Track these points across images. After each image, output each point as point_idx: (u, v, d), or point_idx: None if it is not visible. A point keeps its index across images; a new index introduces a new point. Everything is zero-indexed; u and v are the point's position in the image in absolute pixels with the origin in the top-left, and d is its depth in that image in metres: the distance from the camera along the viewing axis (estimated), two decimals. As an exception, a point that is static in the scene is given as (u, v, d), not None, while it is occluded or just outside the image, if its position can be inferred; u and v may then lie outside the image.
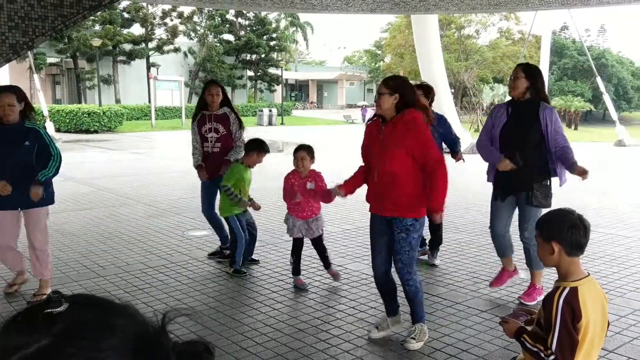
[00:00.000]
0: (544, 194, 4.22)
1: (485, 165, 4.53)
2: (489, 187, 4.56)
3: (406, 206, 3.45)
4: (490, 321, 3.98)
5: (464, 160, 5.46)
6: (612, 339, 3.66)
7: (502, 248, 4.54)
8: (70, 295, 0.72)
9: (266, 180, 9.63)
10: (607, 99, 22.27)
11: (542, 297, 4.39)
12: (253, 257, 5.44)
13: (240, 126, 5.44)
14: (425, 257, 5.49)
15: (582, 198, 8.94)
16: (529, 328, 2.26)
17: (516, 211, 4.44)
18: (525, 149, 4.17)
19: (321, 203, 4.71)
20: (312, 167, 4.76)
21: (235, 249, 5.08)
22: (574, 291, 2.10)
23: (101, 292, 4.56)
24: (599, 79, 22.51)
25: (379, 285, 3.76)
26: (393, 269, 3.66)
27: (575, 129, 34.83)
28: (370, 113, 39.12)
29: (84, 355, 0.63)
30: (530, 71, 4.20)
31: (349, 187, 3.77)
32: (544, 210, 4.11)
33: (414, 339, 3.56)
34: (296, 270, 4.82)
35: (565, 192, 9.18)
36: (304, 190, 4.61)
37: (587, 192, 9.64)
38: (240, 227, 5.12)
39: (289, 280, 4.89)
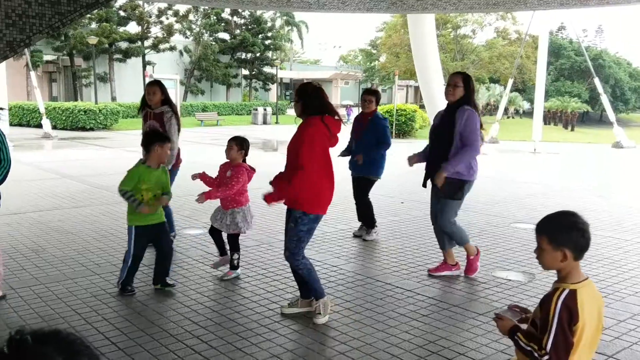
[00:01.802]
0: (450, 186, 4.74)
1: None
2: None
3: (291, 198, 3.89)
4: (488, 324, 3.98)
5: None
6: (611, 344, 3.66)
7: (439, 237, 5.10)
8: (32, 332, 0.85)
9: (260, 180, 9.62)
10: (604, 100, 22.31)
11: (448, 272, 4.99)
12: (168, 281, 4.67)
13: (178, 128, 5.60)
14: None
15: (580, 200, 8.96)
16: (523, 327, 2.25)
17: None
18: (437, 145, 4.84)
19: (249, 199, 5.00)
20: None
21: (123, 262, 4.56)
22: (572, 294, 2.10)
23: (97, 291, 4.54)
24: (596, 80, 22.53)
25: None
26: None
27: (572, 130, 34.92)
28: (355, 112, 39.29)
29: None
30: (466, 80, 4.75)
31: None
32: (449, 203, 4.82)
33: (320, 314, 3.96)
34: (221, 252, 5.06)
35: (562, 195, 9.22)
36: (224, 176, 4.84)
37: (585, 194, 9.66)
38: (138, 242, 4.48)
39: (284, 281, 4.88)
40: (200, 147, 17.69)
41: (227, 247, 5.03)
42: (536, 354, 2.09)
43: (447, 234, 4.95)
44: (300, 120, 3.98)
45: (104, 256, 5.55)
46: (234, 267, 4.98)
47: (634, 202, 9.00)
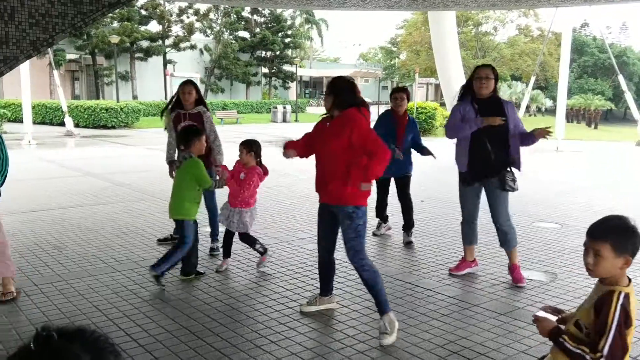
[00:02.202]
0: (512, 179, 4.71)
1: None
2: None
3: (342, 194, 3.71)
4: (509, 324, 3.92)
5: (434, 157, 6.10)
6: (635, 345, 3.57)
7: (471, 236, 5.05)
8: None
9: (278, 177, 9.63)
10: (628, 97, 21.86)
11: (469, 270, 4.90)
12: (199, 269, 5.01)
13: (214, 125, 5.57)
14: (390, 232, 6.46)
15: (604, 199, 8.79)
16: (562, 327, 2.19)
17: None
18: (493, 139, 4.66)
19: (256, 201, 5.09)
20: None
21: (173, 253, 4.67)
22: (628, 297, 2.04)
23: (117, 287, 4.59)
24: (620, 77, 22.10)
25: (321, 265, 4.13)
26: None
27: (595, 127, 34.34)
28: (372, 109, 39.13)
29: None
30: (496, 72, 4.79)
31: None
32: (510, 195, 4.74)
33: (386, 333, 3.63)
34: (225, 253, 5.19)
35: (586, 194, 9.05)
36: (238, 178, 4.98)
37: (610, 193, 9.49)
38: (191, 237, 4.73)
39: (303, 278, 4.87)
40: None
41: (245, 246, 5.10)
42: (589, 357, 2.02)
43: (507, 230, 4.77)
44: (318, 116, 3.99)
45: (125, 253, 5.60)
46: (263, 252, 5.12)
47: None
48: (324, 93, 3.90)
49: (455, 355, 3.46)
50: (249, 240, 5.14)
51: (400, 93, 6.04)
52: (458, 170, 4.91)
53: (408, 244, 6.04)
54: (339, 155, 3.69)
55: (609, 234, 2.08)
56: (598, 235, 2.09)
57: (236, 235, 5.13)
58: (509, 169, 4.70)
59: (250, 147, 4.98)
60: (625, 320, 2.02)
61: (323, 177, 3.82)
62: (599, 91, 40.72)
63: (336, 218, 3.83)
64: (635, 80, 43.47)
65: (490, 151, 4.65)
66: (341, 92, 3.77)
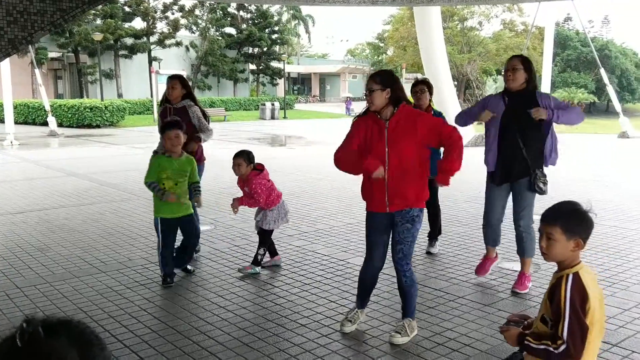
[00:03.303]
0: (544, 180, 4.34)
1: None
2: None
3: (414, 197, 3.47)
4: (493, 315, 3.96)
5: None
6: (616, 333, 3.63)
7: (494, 236, 4.70)
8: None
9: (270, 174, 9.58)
10: (610, 90, 22.12)
11: (530, 284, 4.48)
12: (188, 267, 4.99)
13: (205, 116, 5.49)
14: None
15: (586, 190, 8.90)
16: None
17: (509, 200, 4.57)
18: (525, 135, 4.29)
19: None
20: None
21: (158, 255, 4.73)
22: (576, 276, 2.10)
23: (102, 289, 4.55)
24: (602, 71, 22.35)
25: (369, 279, 3.75)
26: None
27: (579, 120, 34.60)
28: (355, 106, 39.10)
29: None
30: (526, 62, 4.34)
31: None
32: (537, 197, 4.33)
33: (398, 333, 3.56)
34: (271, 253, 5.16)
35: (568, 184, 9.15)
36: (244, 192, 4.98)
37: (591, 184, 9.60)
38: (166, 233, 4.64)
39: (291, 275, 4.88)
40: (207, 143, 17.67)
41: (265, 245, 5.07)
42: (551, 349, 2.06)
43: (524, 236, 4.43)
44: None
45: (110, 254, 5.56)
46: (255, 263, 4.94)
47: (639, 191, 8.93)
48: (370, 88, 3.43)
49: (441, 347, 3.49)
50: (265, 238, 5.00)
51: (420, 86, 5.38)
52: (487, 170, 4.56)
53: (428, 253, 5.54)
54: (411, 154, 3.41)
55: (558, 218, 2.16)
56: (549, 219, 2.17)
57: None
58: (541, 169, 4.35)
59: (249, 157, 4.89)
60: (582, 299, 2.06)
61: (393, 181, 3.43)
62: (582, 85, 41.06)
63: (392, 225, 3.53)
64: (618, 73, 43.90)
65: (522, 148, 4.28)
66: (397, 87, 3.45)
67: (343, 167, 3.61)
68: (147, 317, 3.99)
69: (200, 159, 5.49)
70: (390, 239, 3.59)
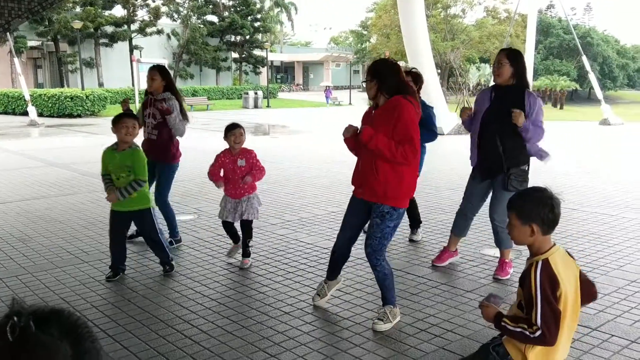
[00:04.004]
0: (520, 180, 4.26)
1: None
2: (471, 169, 4.61)
3: (383, 192, 3.44)
4: (475, 301, 4.00)
5: None
6: (595, 317, 3.70)
7: (462, 228, 4.77)
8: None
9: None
10: (592, 78, 22.36)
11: (511, 270, 4.53)
12: (167, 267, 4.75)
13: (182, 111, 5.29)
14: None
15: (567, 177, 9.01)
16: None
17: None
18: (505, 133, 4.21)
19: (256, 183, 4.83)
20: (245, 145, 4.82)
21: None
22: (546, 262, 2.15)
23: (85, 278, 4.52)
24: (584, 58, 22.57)
25: (336, 256, 3.86)
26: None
27: (561, 108, 34.98)
28: (334, 94, 38.84)
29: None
30: (513, 56, 4.22)
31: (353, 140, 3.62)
32: None
33: (381, 320, 3.59)
34: (234, 239, 4.95)
35: (550, 172, 9.26)
36: (235, 167, 4.68)
37: (572, 171, 9.72)
38: (112, 226, 4.55)
39: (275, 264, 4.88)
40: (190, 133, 17.53)
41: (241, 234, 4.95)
42: (527, 332, 2.10)
43: (499, 230, 4.40)
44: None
45: (92, 244, 5.52)
46: (247, 255, 4.86)
47: (619, 178, 9.06)
48: (365, 79, 3.50)
49: (424, 333, 3.53)
50: (249, 229, 4.87)
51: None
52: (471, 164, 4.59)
53: (411, 241, 5.61)
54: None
55: (513, 204, 2.24)
56: (508, 205, 2.27)
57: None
58: (520, 167, 4.27)
59: (241, 127, 4.76)
60: (552, 285, 2.10)
61: (364, 171, 3.50)
62: (564, 72, 41.43)
63: (369, 213, 3.57)
64: (599, 60, 44.36)
65: (499, 146, 4.23)
66: (386, 77, 3.41)
67: (347, 145, 3.69)
68: (130, 307, 3.98)
69: (175, 156, 5.35)
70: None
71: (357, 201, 3.65)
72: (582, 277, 2.28)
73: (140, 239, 5.19)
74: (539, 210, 2.16)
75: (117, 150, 4.45)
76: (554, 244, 2.23)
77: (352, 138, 3.56)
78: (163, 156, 5.27)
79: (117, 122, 4.41)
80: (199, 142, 14.65)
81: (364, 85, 3.51)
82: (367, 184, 3.50)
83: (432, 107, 5.32)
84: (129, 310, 3.91)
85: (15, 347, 0.77)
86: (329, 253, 5.14)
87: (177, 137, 5.35)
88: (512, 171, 4.24)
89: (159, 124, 5.23)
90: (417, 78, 5.14)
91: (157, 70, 5.37)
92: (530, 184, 4.23)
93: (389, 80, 3.41)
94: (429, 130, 5.09)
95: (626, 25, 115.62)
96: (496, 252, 5.07)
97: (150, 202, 4.61)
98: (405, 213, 5.49)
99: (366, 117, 3.59)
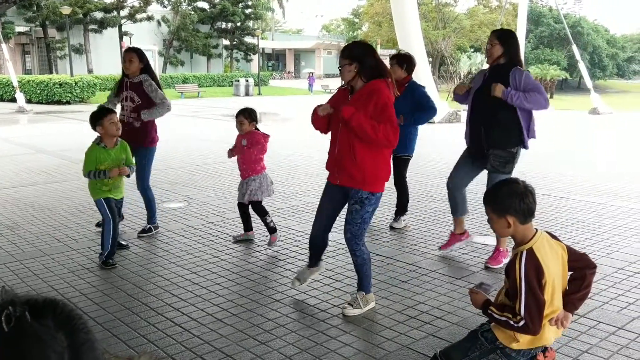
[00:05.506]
0: (502, 161, 4.26)
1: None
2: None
3: (361, 178, 3.43)
4: (464, 288, 4.03)
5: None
6: (583, 304, 3.73)
7: (453, 206, 4.70)
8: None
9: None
10: (582, 67, 22.45)
11: (507, 260, 4.55)
12: (121, 242, 4.95)
13: (160, 88, 5.21)
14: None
15: (556, 166, 9.06)
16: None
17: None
18: (492, 112, 4.24)
19: (265, 165, 5.02)
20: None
21: (103, 234, 4.54)
22: (530, 252, 2.17)
23: (74, 266, 4.50)
24: (574, 47, 22.64)
25: (314, 244, 3.86)
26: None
27: (551, 97, 35.12)
28: (317, 82, 38.69)
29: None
30: (504, 37, 4.27)
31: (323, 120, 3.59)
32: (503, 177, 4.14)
33: (350, 305, 3.61)
34: (247, 228, 5.17)
35: (539, 162, 9.30)
36: (240, 146, 4.91)
37: (561, 160, 9.78)
38: (112, 211, 4.55)
39: (264, 250, 4.88)
40: (181, 120, 17.43)
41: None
42: (512, 322, 2.13)
43: None
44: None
45: (81, 231, 5.48)
46: (273, 230, 4.99)
47: (608, 166, 9.13)
48: (341, 63, 3.38)
49: (413, 320, 3.55)
50: (259, 210, 5.01)
51: (390, 60, 5.26)
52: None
53: (391, 228, 5.56)
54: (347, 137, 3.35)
55: (487, 198, 2.29)
56: (484, 200, 2.31)
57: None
58: (507, 149, 4.24)
59: (251, 115, 4.87)
60: (537, 275, 2.12)
61: (340, 156, 3.46)
62: (554, 61, 41.54)
63: (346, 198, 3.56)
64: (589, 50, 44.52)
65: (480, 126, 4.28)
66: (365, 60, 3.33)
67: (314, 124, 3.65)
68: (119, 294, 3.96)
69: (154, 140, 5.31)
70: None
71: (332, 187, 3.63)
72: (571, 253, 2.32)
73: (122, 225, 5.16)
74: (510, 201, 2.19)
75: (107, 147, 4.49)
76: (537, 230, 2.24)
77: (326, 117, 3.52)
78: (143, 140, 5.20)
79: (102, 119, 4.41)
80: (190, 130, 14.57)
81: (339, 70, 3.42)
82: (344, 170, 3.47)
83: (424, 87, 5.40)
84: (118, 298, 3.90)
85: (10, 338, 0.75)
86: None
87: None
88: (493, 152, 4.26)
89: (138, 106, 5.14)
90: (408, 60, 5.15)
91: (134, 52, 5.26)
92: (518, 174, 4.24)
93: (368, 63, 3.35)
94: (428, 109, 5.13)
95: (616, 15, 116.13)
96: (485, 239, 5.11)
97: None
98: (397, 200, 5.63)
99: (338, 101, 3.48)
